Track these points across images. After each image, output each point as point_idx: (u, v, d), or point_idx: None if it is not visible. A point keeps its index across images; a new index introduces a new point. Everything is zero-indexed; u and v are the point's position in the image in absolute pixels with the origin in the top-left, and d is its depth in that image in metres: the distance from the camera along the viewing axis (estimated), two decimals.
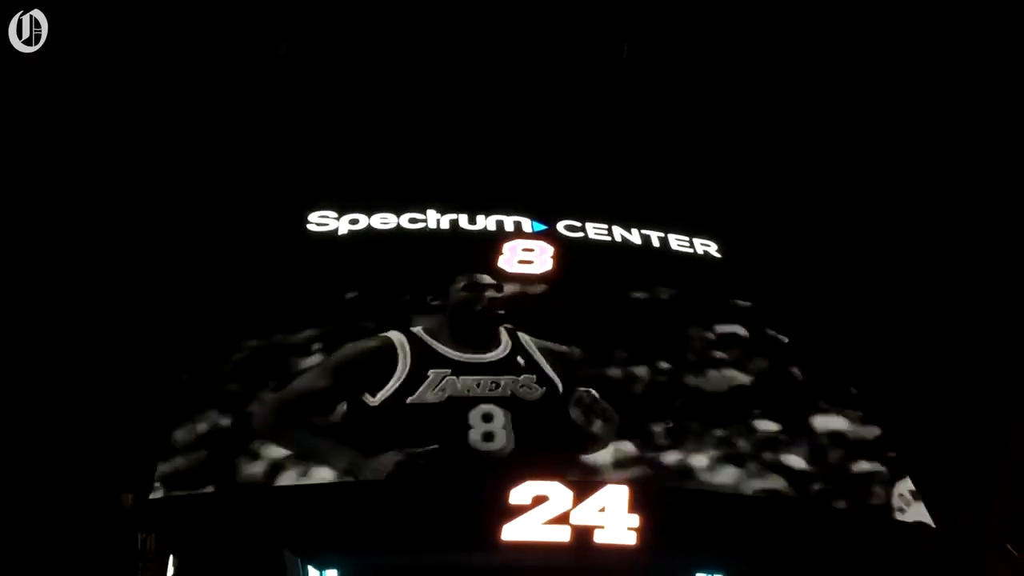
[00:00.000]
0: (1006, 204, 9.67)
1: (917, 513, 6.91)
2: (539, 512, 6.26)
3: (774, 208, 9.50)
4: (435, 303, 7.31)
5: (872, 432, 7.37)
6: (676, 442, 6.83)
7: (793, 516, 6.71)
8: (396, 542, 6.30)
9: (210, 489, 6.20)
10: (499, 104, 9.77)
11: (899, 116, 9.91)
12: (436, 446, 6.44)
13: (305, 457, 6.40)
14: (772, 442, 7.04)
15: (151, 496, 6.17)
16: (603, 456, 6.64)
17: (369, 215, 8.37)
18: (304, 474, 6.32)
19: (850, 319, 10.34)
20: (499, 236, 8.26)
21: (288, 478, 6.29)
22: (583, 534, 6.31)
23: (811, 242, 9.18)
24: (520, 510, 6.25)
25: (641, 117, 10.29)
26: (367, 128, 9.78)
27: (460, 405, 6.65)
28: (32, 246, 8.88)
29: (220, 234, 8.44)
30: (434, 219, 8.41)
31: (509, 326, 7.20)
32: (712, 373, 7.48)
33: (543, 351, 7.12)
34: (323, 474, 6.33)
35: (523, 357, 7.04)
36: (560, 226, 8.47)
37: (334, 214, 8.35)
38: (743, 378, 7.50)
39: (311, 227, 8.26)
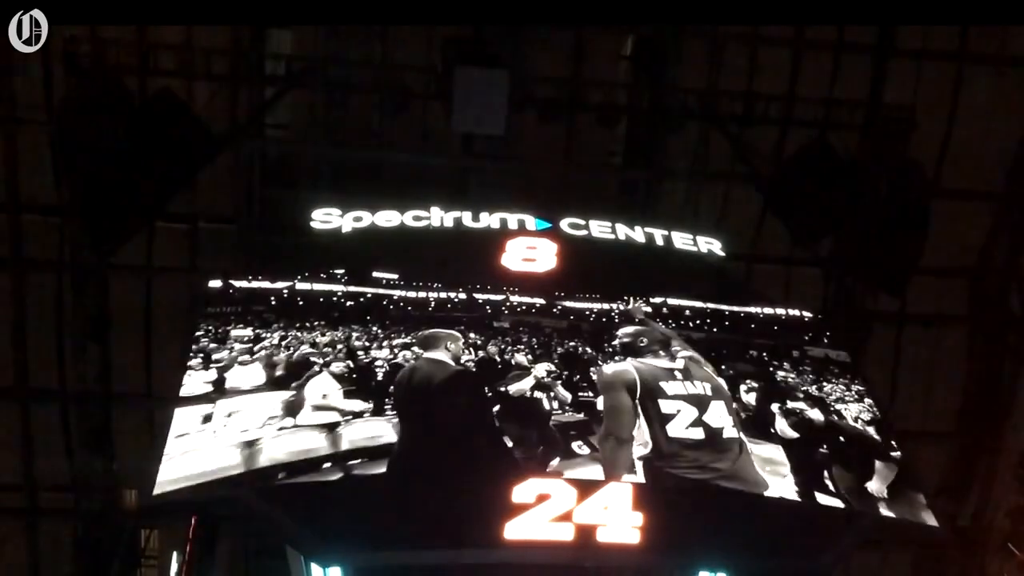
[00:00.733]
0: None
1: (921, 514, 6.87)
2: (542, 510, 6.24)
3: None
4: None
5: (876, 431, 7.34)
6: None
7: (795, 515, 6.69)
8: (399, 539, 6.29)
9: (213, 486, 6.17)
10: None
11: None
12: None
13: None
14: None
15: (154, 493, 6.14)
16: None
17: (373, 212, 8.38)
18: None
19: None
20: (503, 234, 8.26)
21: (292, 475, 6.28)
22: (586, 532, 6.30)
23: None
24: (523, 508, 6.24)
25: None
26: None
27: None
28: None
29: None
30: (438, 217, 8.41)
31: None
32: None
33: None
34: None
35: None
36: (563, 224, 8.47)
37: (338, 211, 8.36)
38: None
39: (315, 224, 8.27)
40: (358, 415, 6.65)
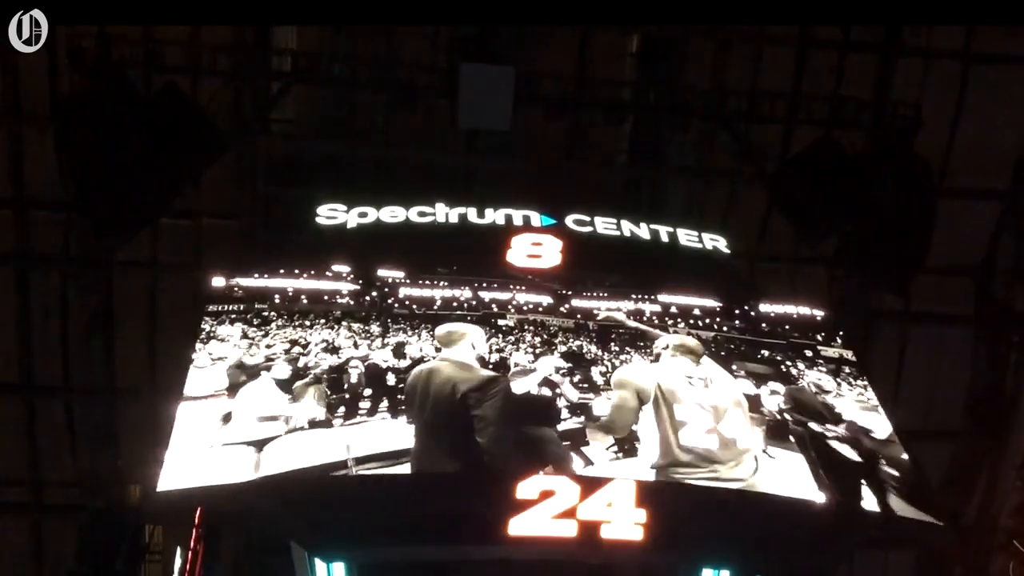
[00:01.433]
0: None
1: (925, 513, 6.86)
2: (546, 507, 6.24)
3: None
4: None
5: (880, 430, 7.33)
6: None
7: (798, 513, 6.68)
8: (402, 535, 6.29)
9: (218, 482, 6.17)
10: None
11: None
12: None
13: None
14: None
15: (158, 489, 6.15)
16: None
17: (378, 208, 8.38)
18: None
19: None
20: (508, 230, 8.25)
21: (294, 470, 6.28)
22: (590, 529, 6.30)
23: None
24: (527, 504, 6.24)
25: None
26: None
27: None
28: None
29: None
30: (443, 213, 8.41)
31: None
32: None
33: None
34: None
35: None
36: (569, 220, 8.46)
37: (343, 207, 8.35)
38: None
39: (320, 220, 8.27)
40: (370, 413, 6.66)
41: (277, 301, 7.78)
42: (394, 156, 10.36)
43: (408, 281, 7.94)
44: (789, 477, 6.71)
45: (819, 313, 8.52)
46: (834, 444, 7.05)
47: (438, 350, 6.93)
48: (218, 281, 7.82)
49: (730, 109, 9.83)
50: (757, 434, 6.88)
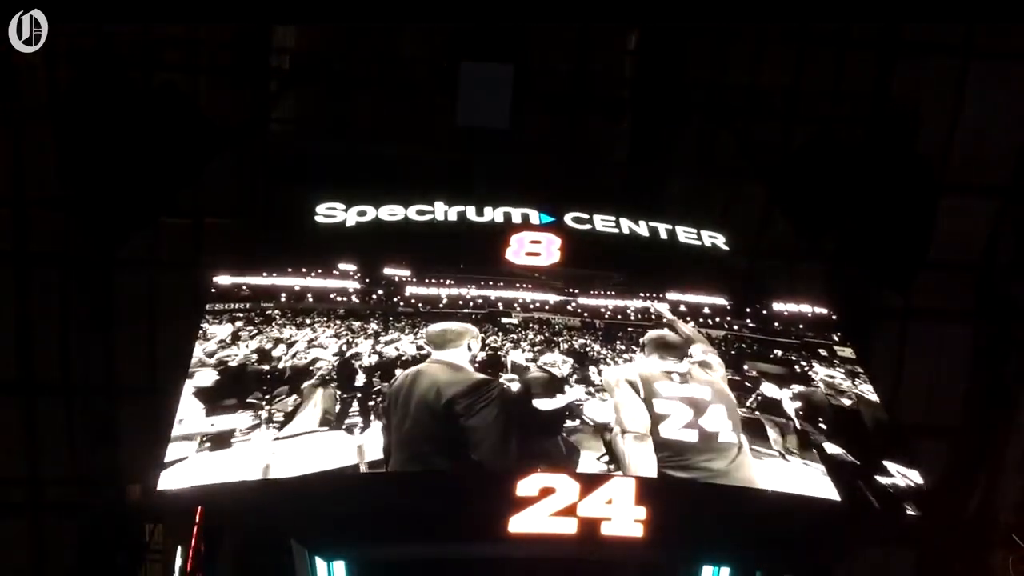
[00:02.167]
0: None
1: (925, 510, 6.85)
2: (546, 504, 6.23)
3: None
4: None
5: (881, 426, 7.33)
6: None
7: (799, 510, 6.67)
8: (403, 533, 6.29)
9: (218, 480, 6.17)
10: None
11: None
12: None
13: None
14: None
15: (158, 488, 6.15)
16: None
17: (377, 207, 8.37)
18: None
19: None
20: (507, 228, 8.25)
21: (296, 469, 6.28)
22: (590, 526, 6.29)
23: None
24: (527, 502, 6.23)
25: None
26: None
27: None
28: None
29: None
30: (442, 211, 8.40)
31: None
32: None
33: None
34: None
35: None
36: (568, 218, 8.45)
37: (342, 206, 8.35)
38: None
39: (319, 219, 8.27)
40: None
41: (283, 299, 7.76)
42: (393, 154, 10.36)
43: (414, 279, 7.91)
44: (786, 474, 6.68)
45: (821, 310, 8.48)
46: (838, 442, 7.05)
47: (419, 349, 6.88)
48: (222, 279, 7.80)
49: (729, 105, 9.86)
50: (739, 429, 6.80)
